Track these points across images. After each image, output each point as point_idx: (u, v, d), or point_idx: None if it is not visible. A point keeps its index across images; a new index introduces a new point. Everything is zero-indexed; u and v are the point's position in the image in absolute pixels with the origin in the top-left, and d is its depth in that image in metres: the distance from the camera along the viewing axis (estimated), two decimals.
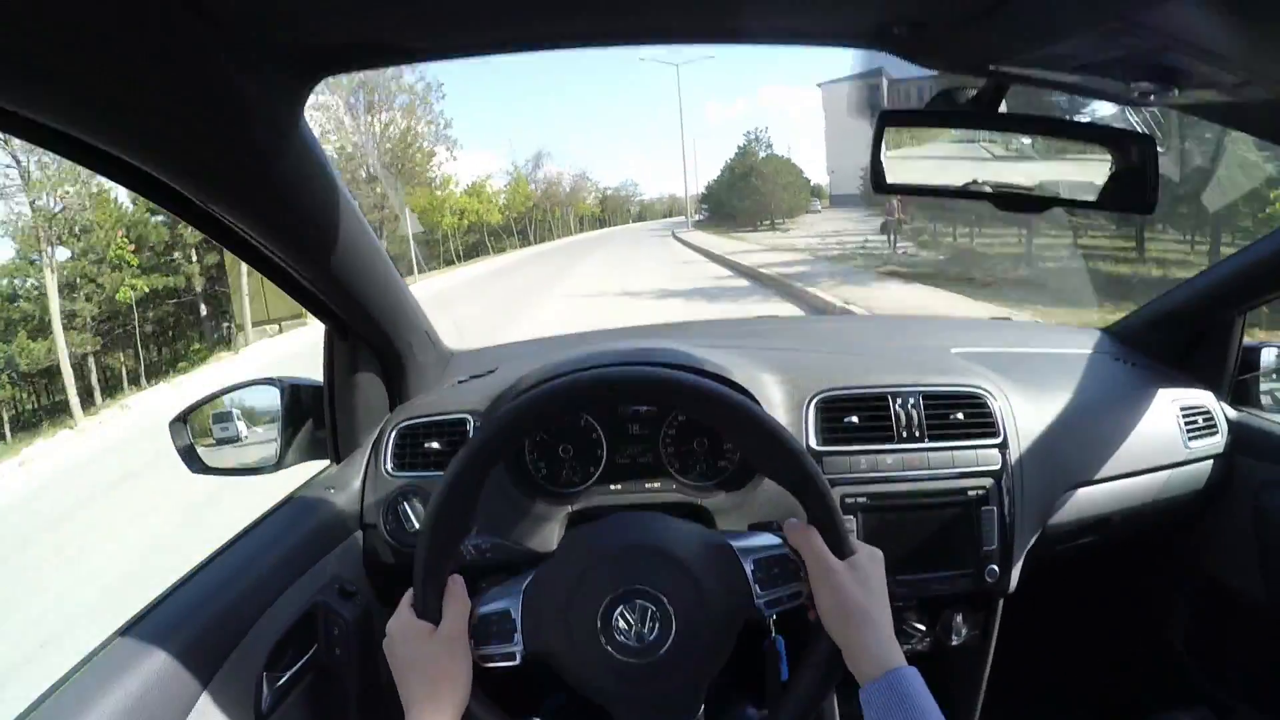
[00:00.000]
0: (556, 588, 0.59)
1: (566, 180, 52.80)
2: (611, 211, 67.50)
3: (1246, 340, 1.17)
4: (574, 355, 0.92)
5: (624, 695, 0.57)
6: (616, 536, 0.61)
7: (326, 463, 0.99)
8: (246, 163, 0.58)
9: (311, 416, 0.98)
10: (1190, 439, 1.05)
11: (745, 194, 28.36)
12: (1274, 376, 1.20)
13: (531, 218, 45.36)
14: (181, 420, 0.97)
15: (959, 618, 0.94)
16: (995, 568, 0.88)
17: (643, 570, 0.58)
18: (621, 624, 0.57)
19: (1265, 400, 1.17)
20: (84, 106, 0.46)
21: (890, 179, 0.84)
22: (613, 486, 0.93)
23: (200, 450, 0.97)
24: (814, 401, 0.92)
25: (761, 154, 29.57)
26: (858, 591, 0.55)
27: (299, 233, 0.72)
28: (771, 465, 0.59)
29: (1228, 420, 1.10)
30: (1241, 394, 1.16)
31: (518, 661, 0.58)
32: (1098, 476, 0.98)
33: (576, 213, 56.26)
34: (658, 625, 0.56)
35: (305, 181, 0.66)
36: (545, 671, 0.58)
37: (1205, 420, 1.08)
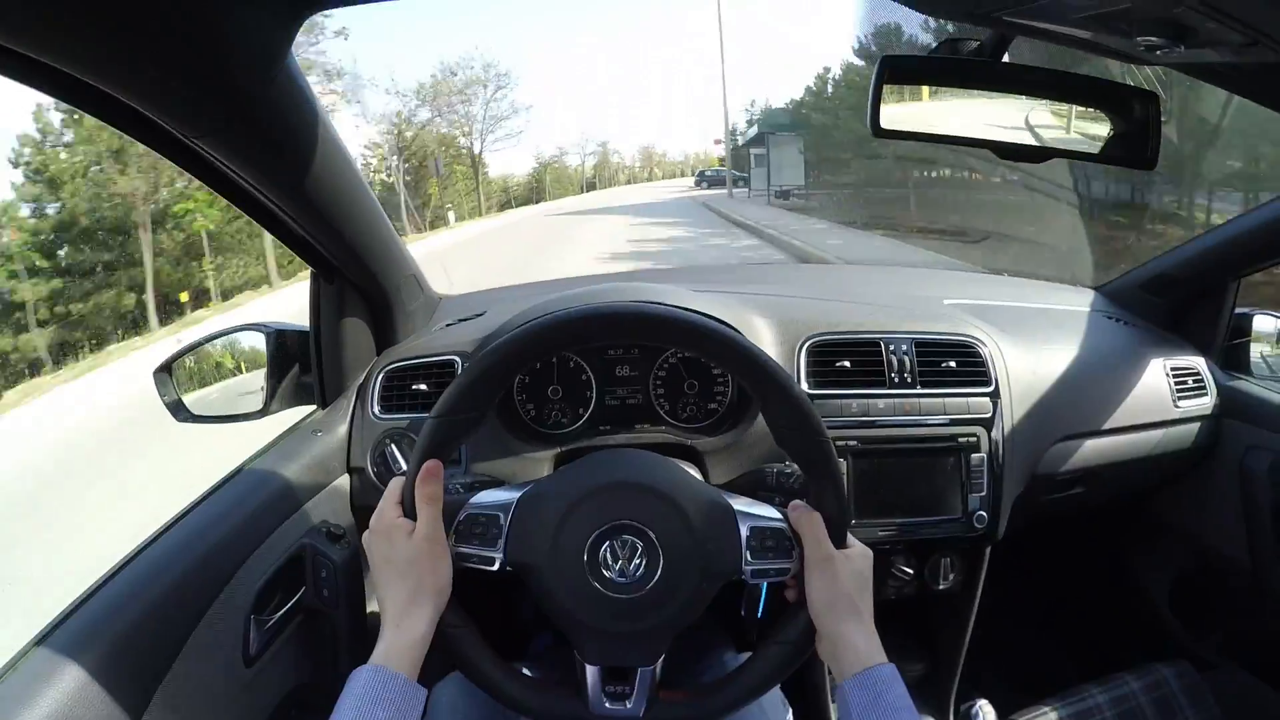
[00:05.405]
0: (553, 505, 0.58)
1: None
2: (552, 182, 43.84)
3: (1238, 308, 1.17)
4: (576, 291, 0.91)
5: (595, 627, 0.57)
6: (622, 470, 0.60)
7: (313, 408, 0.98)
8: (233, 96, 0.57)
9: (298, 362, 0.97)
10: (1180, 399, 1.05)
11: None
12: (1264, 343, 1.20)
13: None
14: (165, 370, 0.95)
15: (946, 563, 0.95)
16: (984, 514, 0.89)
17: (642, 508, 0.57)
18: (609, 556, 0.56)
19: (1255, 366, 1.17)
20: (69, 39, 0.44)
21: (889, 125, 0.83)
22: (602, 428, 0.92)
23: (185, 399, 0.95)
24: (806, 345, 0.91)
25: None
26: (850, 583, 0.55)
27: (286, 170, 0.70)
28: (790, 438, 0.58)
29: (1217, 384, 1.10)
30: (1232, 359, 1.17)
31: (495, 568, 0.57)
32: (1087, 430, 0.99)
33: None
34: (644, 564, 0.56)
35: (293, 118, 0.65)
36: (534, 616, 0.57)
37: (1195, 382, 1.08)
